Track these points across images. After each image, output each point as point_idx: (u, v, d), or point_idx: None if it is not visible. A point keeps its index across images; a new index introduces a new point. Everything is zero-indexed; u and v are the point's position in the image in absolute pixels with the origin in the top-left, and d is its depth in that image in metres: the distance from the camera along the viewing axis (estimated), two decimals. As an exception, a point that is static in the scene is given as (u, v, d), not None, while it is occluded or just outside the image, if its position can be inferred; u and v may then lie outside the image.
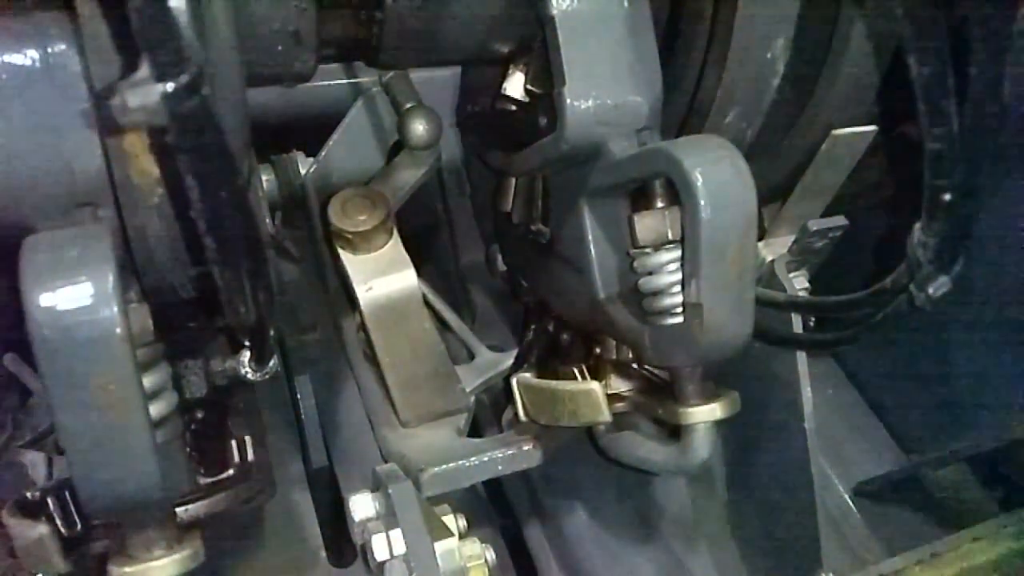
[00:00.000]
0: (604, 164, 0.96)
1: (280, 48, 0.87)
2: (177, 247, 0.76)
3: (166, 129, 0.56)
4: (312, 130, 1.36)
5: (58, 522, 0.87)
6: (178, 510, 0.86)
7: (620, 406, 1.12)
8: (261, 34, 0.85)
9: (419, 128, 1.21)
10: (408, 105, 1.23)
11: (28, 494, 0.89)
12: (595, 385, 1.07)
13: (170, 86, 0.54)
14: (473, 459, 1.09)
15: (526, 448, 1.12)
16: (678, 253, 0.90)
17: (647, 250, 0.93)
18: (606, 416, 1.06)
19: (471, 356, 1.36)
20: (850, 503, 1.53)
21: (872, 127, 1.15)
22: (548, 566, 1.47)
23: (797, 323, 1.20)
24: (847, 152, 1.17)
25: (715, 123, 1.11)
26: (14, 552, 0.88)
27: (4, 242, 0.69)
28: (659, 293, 0.93)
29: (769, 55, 1.07)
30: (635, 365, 1.15)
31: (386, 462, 1.16)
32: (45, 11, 0.69)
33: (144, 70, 0.54)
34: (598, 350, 1.18)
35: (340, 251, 1.13)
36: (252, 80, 0.86)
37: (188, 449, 0.93)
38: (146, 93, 0.54)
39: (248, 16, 0.83)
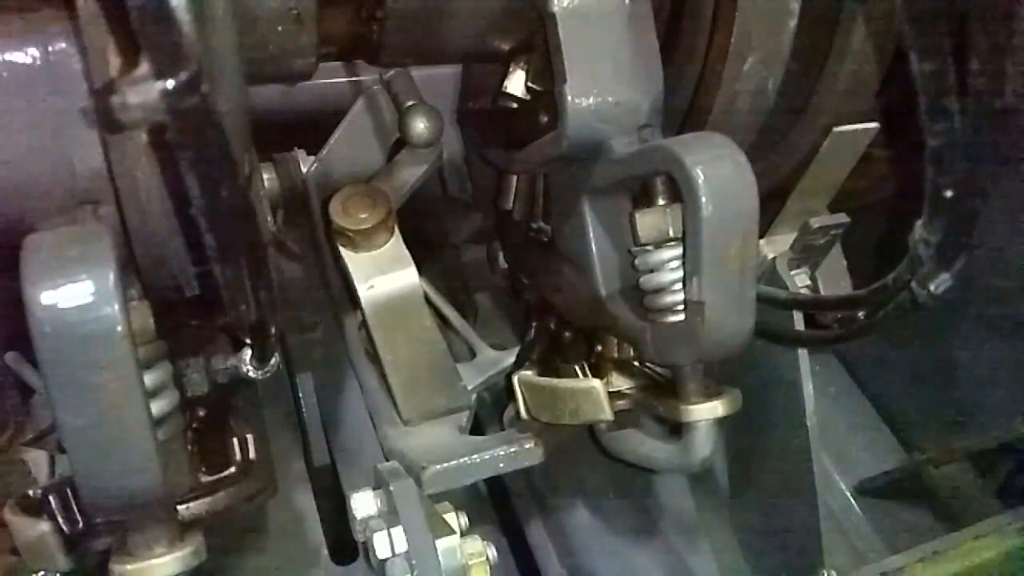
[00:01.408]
0: (605, 161, 0.96)
1: (280, 30, 0.86)
2: (178, 245, 0.76)
3: (166, 126, 0.56)
4: (313, 128, 1.36)
5: (60, 520, 0.87)
6: (180, 508, 0.86)
7: (622, 404, 1.12)
8: (261, 18, 0.84)
9: (420, 126, 1.21)
10: (409, 103, 1.23)
11: (30, 492, 0.89)
12: (596, 383, 1.07)
13: (170, 83, 0.53)
14: (475, 457, 1.09)
15: (527, 446, 1.12)
16: (679, 251, 0.90)
17: (648, 248, 0.93)
18: (608, 414, 1.06)
19: (472, 354, 1.36)
20: (852, 501, 1.52)
21: (873, 124, 1.15)
22: (550, 563, 1.47)
23: (799, 320, 1.20)
24: (848, 149, 1.17)
25: (734, 71, 1.06)
26: (16, 550, 0.88)
27: (5, 240, 0.69)
28: (660, 291, 0.93)
29: None
30: (636, 363, 1.15)
31: (388, 460, 1.16)
32: (45, 9, 0.69)
33: (144, 67, 0.54)
34: (599, 348, 1.18)
35: (341, 249, 1.13)
36: (254, 77, 0.86)
37: (190, 447, 0.93)
38: (146, 90, 0.54)
39: (248, 1, 0.83)
